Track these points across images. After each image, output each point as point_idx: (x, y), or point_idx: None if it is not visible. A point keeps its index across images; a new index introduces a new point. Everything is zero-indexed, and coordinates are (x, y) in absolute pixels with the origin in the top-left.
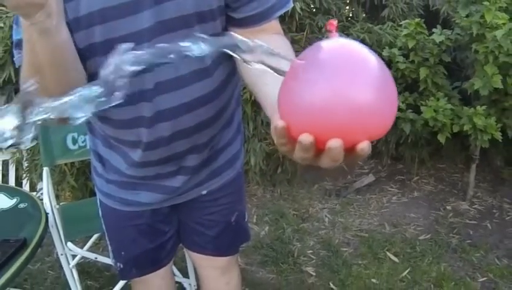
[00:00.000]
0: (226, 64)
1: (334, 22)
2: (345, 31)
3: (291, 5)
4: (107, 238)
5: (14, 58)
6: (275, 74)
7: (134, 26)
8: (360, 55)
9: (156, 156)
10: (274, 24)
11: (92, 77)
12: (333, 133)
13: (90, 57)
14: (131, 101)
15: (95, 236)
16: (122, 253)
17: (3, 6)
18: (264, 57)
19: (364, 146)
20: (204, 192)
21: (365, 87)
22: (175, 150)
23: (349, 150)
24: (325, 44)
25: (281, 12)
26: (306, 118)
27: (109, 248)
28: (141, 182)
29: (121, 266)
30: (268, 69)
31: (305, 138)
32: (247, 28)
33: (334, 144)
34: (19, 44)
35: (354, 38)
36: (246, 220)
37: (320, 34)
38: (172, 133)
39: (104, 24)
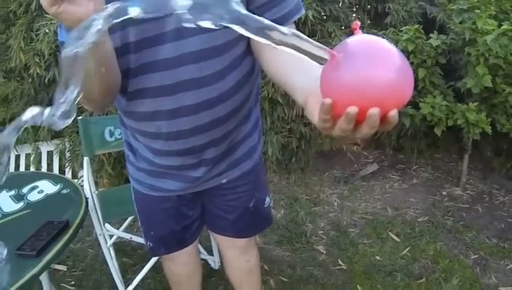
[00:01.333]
0: (244, 65)
1: (358, 23)
2: (351, 36)
3: (303, 11)
4: (139, 220)
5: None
6: (305, 61)
7: (162, 27)
8: (385, 45)
9: (177, 146)
10: (291, 28)
11: (123, 72)
12: (372, 104)
13: (124, 54)
14: (153, 94)
15: (130, 218)
16: (152, 233)
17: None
18: (300, 44)
19: (394, 113)
20: (224, 181)
21: (394, 69)
22: (195, 143)
23: (382, 120)
24: (356, 38)
25: (297, 17)
26: (350, 95)
27: (141, 228)
28: (167, 171)
29: (151, 244)
30: (302, 56)
31: (353, 109)
32: None
33: (374, 111)
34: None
35: None
36: (265, 205)
37: (330, 38)
38: (191, 128)
39: (137, 26)
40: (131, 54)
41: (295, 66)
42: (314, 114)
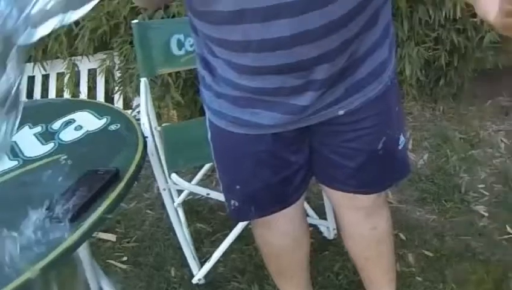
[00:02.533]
0: None
1: None
2: None
3: None
4: (217, 169)
5: None
6: None
7: None
8: None
9: (273, 61)
10: None
11: None
12: None
13: None
14: None
15: (207, 166)
16: (237, 187)
17: None
18: None
19: None
20: (341, 112)
21: None
22: (299, 56)
23: None
24: None
25: None
26: None
27: (220, 181)
28: (259, 97)
29: (236, 204)
30: None
31: None
32: None
33: None
34: None
35: None
36: (400, 147)
37: None
38: (294, 34)
39: None
40: None
41: None
42: (487, 8)
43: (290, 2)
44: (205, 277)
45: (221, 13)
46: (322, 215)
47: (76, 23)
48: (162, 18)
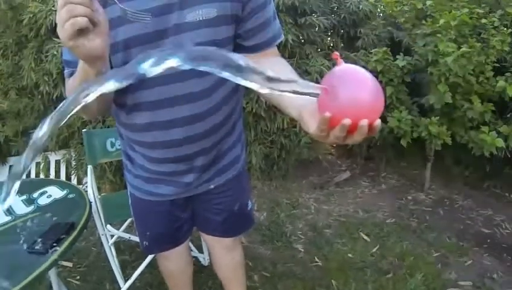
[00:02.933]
0: (229, 83)
1: (337, 53)
2: (326, 57)
3: (283, 37)
4: (135, 222)
5: (65, 72)
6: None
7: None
8: (365, 73)
9: (171, 154)
10: (274, 50)
11: (124, 88)
12: (360, 117)
13: None
14: (151, 107)
15: (129, 220)
16: (147, 233)
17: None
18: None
19: (378, 123)
20: (212, 186)
21: (374, 90)
22: (187, 151)
23: (368, 128)
24: (342, 68)
25: (278, 41)
26: (343, 111)
27: (136, 229)
28: (161, 177)
29: (146, 243)
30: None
31: (347, 121)
32: (255, 53)
33: (364, 122)
34: (67, 62)
35: (334, 64)
36: (249, 209)
37: (308, 60)
38: (184, 137)
39: (140, 47)
40: None
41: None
42: (309, 125)
43: (183, 116)
44: (128, 289)
45: (139, 125)
46: (200, 250)
47: None
48: (101, 128)
